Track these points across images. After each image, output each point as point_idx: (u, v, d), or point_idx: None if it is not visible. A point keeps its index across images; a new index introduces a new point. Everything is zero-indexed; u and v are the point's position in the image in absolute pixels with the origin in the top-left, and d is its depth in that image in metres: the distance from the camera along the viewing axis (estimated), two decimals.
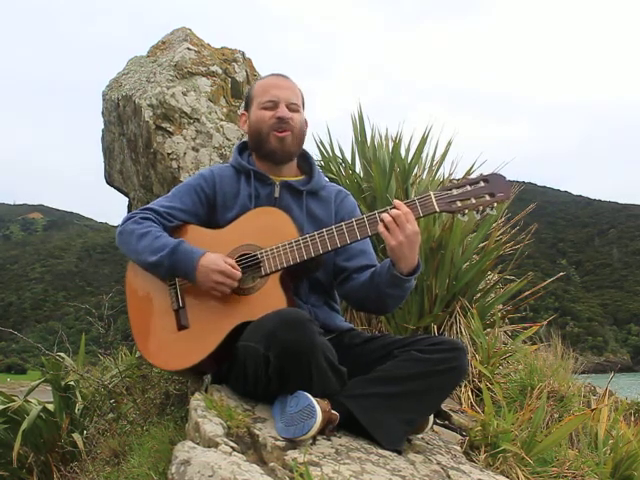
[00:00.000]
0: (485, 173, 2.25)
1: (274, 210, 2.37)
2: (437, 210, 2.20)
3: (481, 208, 2.19)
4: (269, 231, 2.30)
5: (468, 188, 2.20)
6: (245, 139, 2.69)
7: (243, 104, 2.72)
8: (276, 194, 2.45)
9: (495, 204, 2.19)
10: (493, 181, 2.20)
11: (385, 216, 2.15)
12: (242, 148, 2.63)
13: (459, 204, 2.19)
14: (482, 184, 2.20)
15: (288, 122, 2.43)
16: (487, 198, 2.18)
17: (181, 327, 2.28)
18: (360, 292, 2.38)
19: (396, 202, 2.18)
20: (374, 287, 2.30)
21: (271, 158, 2.47)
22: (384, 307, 2.44)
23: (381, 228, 2.16)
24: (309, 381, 1.97)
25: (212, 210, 2.47)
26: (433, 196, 2.20)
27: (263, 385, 2.05)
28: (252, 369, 2.04)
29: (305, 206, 2.46)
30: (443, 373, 2.10)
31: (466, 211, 2.20)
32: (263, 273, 2.25)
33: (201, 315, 2.28)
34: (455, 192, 2.20)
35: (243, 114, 2.59)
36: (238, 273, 2.22)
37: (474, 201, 2.19)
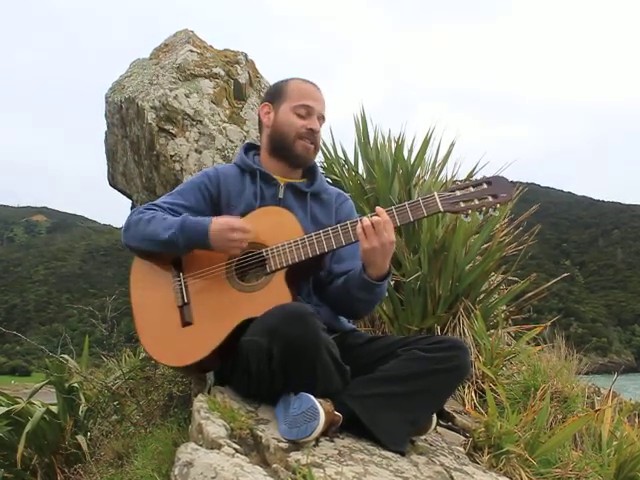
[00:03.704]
0: (488, 175, 2.27)
1: (279, 209, 2.40)
2: (441, 210, 2.23)
3: (484, 209, 2.22)
4: (274, 229, 2.32)
5: (471, 190, 2.24)
6: (250, 139, 2.70)
7: (265, 95, 2.68)
8: (280, 195, 2.47)
9: (498, 205, 2.22)
10: (496, 183, 2.24)
11: (365, 220, 2.18)
12: (248, 148, 2.64)
13: (462, 205, 2.23)
14: (485, 186, 2.24)
15: (316, 136, 2.48)
16: (490, 199, 2.22)
17: (185, 323, 2.29)
18: (335, 295, 2.41)
19: (378, 209, 2.22)
20: (346, 290, 2.34)
21: (292, 162, 2.50)
22: (355, 311, 2.46)
23: (359, 230, 2.18)
24: (313, 376, 1.98)
25: (216, 209, 2.47)
26: (437, 196, 2.23)
27: (267, 381, 2.05)
28: (255, 364, 2.05)
29: (309, 208, 2.48)
30: (446, 371, 2.11)
31: (469, 212, 2.23)
32: (268, 270, 2.27)
33: (205, 311, 2.29)
34: (458, 193, 2.24)
35: (266, 105, 2.56)
36: (249, 227, 2.25)
37: (477, 202, 2.22)
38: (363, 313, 2.59)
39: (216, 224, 2.26)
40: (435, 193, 2.24)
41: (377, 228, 2.16)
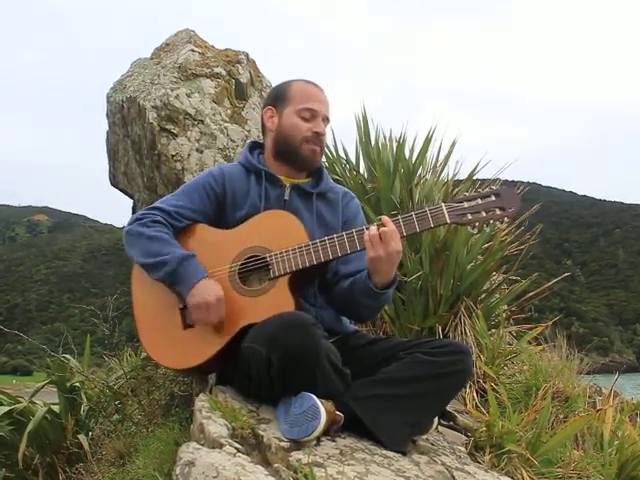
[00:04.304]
0: (492, 177, 2.26)
1: (284, 213, 2.37)
2: (448, 221, 2.21)
3: (491, 221, 2.21)
4: (279, 234, 2.30)
5: (479, 201, 2.22)
6: (251, 138, 2.68)
7: (268, 98, 2.61)
8: (286, 196, 2.44)
9: (505, 218, 2.21)
10: (504, 195, 2.22)
11: (372, 228, 2.17)
12: (252, 147, 2.60)
13: (470, 217, 2.21)
14: (493, 198, 2.22)
15: (322, 138, 2.45)
16: (497, 212, 2.21)
17: (187, 326, 2.28)
18: (341, 297, 2.39)
19: (384, 219, 2.19)
20: (351, 295, 2.33)
21: (299, 165, 2.47)
22: (358, 315, 2.46)
23: (366, 237, 2.17)
24: (312, 384, 1.97)
25: (221, 209, 2.45)
26: (445, 208, 2.21)
27: (266, 387, 2.06)
28: (255, 371, 2.05)
29: (315, 209, 2.46)
30: (448, 376, 2.10)
31: (476, 224, 2.21)
32: (272, 276, 2.25)
33: None
34: (466, 205, 2.22)
35: (270, 109, 2.50)
36: (222, 314, 2.21)
37: (484, 215, 2.21)
38: (367, 318, 2.59)
39: (205, 283, 2.22)
40: (443, 204, 2.22)
41: (384, 237, 2.14)
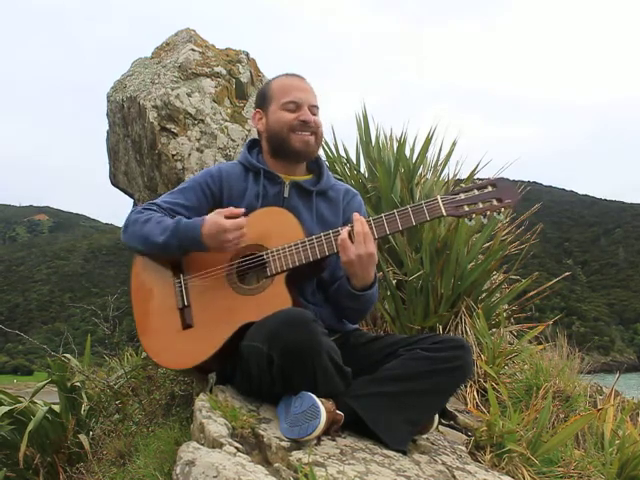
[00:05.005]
0: (492, 177, 2.24)
1: (281, 210, 2.36)
2: (444, 214, 2.19)
3: (488, 213, 2.19)
4: (275, 231, 2.30)
5: (476, 192, 2.20)
6: (252, 137, 2.67)
7: (255, 101, 2.63)
8: (285, 193, 2.43)
9: (502, 209, 2.19)
10: (501, 186, 2.20)
11: (343, 232, 2.17)
12: (251, 146, 2.60)
13: (466, 208, 2.19)
14: (490, 189, 2.20)
15: (311, 125, 2.42)
16: (494, 203, 2.18)
17: (186, 326, 2.28)
18: (331, 299, 2.40)
19: (357, 220, 2.18)
20: (337, 297, 2.34)
21: (293, 158, 2.46)
22: (346, 318, 2.44)
23: (339, 241, 2.17)
24: (313, 381, 1.97)
25: (218, 208, 2.45)
26: (440, 200, 2.19)
27: (267, 385, 2.05)
28: (256, 369, 2.04)
29: (315, 207, 2.45)
30: (448, 371, 2.10)
31: (473, 215, 2.19)
32: (269, 273, 2.25)
33: (206, 314, 2.28)
34: (462, 196, 2.20)
35: (257, 112, 2.53)
36: (242, 221, 2.22)
37: (481, 206, 2.18)
38: (353, 321, 2.50)
39: (207, 227, 2.22)
40: (438, 197, 2.20)
41: (356, 239, 2.14)
